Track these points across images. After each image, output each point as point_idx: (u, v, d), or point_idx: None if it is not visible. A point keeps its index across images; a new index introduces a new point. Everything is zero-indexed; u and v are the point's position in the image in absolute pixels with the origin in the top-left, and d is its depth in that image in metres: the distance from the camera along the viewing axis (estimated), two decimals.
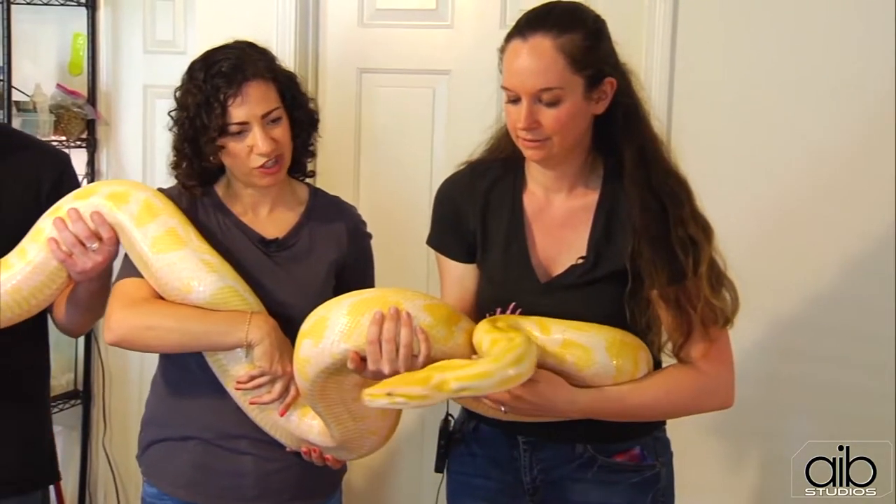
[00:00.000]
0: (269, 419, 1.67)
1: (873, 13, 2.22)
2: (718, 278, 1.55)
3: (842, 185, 2.27)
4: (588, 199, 1.63)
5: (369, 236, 1.87)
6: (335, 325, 1.45)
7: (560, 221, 1.64)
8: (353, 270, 1.81)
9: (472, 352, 1.50)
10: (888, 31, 2.20)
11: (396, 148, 2.62)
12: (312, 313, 1.52)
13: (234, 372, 1.64)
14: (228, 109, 1.64)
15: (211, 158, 1.69)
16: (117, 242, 1.65)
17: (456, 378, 1.37)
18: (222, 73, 1.65)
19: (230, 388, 1.67)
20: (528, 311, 1.57)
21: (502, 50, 1.56)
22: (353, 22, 2.62)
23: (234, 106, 1.64)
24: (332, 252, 1.77)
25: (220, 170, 1.76)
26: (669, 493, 1.71)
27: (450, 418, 1.78)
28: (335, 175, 2.65)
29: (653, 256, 1.53)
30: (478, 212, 1.67)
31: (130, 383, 2.99)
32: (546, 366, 1.49)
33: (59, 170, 1.84)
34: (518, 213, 1.65)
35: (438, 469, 1.78)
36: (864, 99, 2.24)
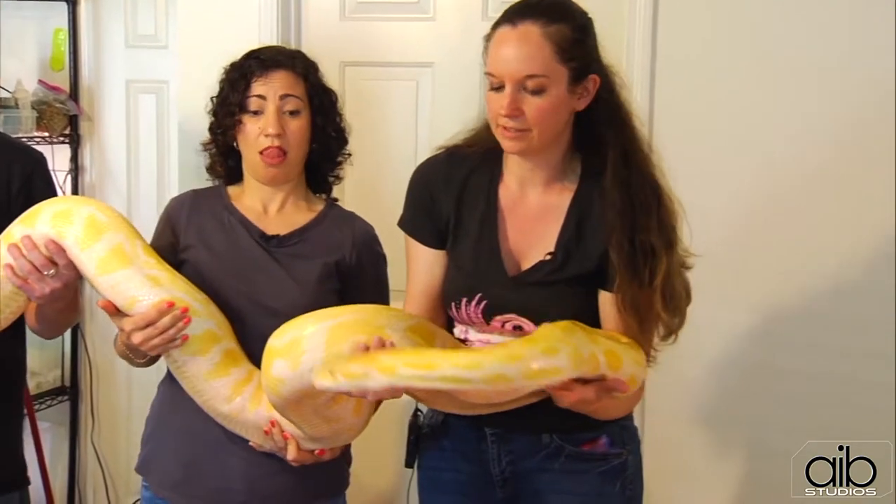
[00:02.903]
0: (235, 420, 1.65)
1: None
2: (673, 293, 1.55)
3: (837, 172, 2.26)
4: (563, 197, 1.63)
5: (383, 257, 1.83)
6: (313, 352, 1.42)
7: (533, 215, 1.64)
8: (356, 280, 1.77)
9: None
10: (875, 15, 2.20)
11: (380, 141, 2.62)
12: (285, 329, 1.48)
13: (190, 372, 1.63)
14: (251, 85, 1.72)
15: (228, 136, 1.75)
16: (75, 267, 1.62)
17: (406, 364, 1.30)
18: (259, 58, 1.75)
19: (193, 393, 1.66)
20: (495, 304, 1.60)
21: (488, 38, 1.57)
22: (334, 15, 2.61)
23: (256, 83, 1.72)
24: (333, 255, 1.75)
25: (239, 172, 1.81)
26: (638, 481, 1.73)
27: (419, 413, 1.78)
28: None
29: (619, 259, 1.54)
30: (452, 199, 1.67)
31: (118, 378, 2.99)
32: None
33: (30, 167, 1.83)
34: (492, 205, 1.65)
35: (409, 464, 1.78)
36: (854, 83, 2.23)
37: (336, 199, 1.89)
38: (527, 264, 1.62)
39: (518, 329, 1.60)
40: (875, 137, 2.23)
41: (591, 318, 1.58)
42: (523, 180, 1.65)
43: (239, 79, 1.74)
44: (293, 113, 1.72)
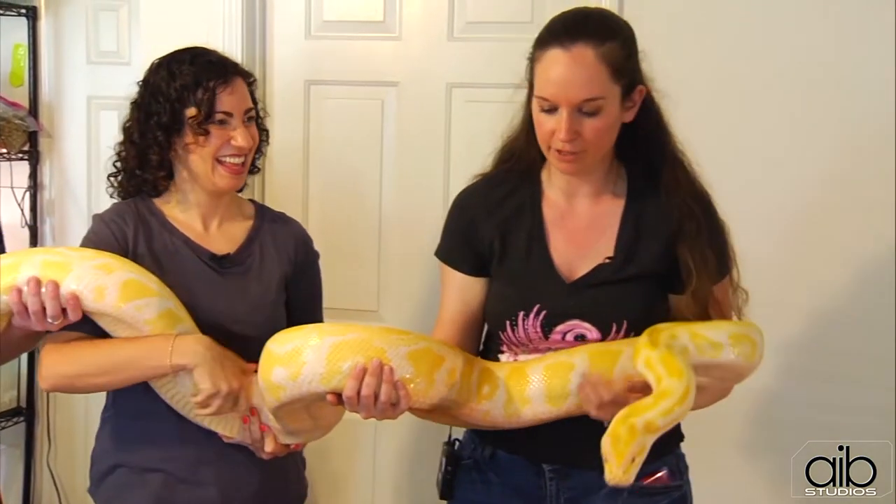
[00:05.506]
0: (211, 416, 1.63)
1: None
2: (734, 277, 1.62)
3: (841, 178, 2.24)
4: (614, 205, 1.63)
5: (316, 254, 1.86)
6: (314, 365, 1.42)
7: (584, 225, 1.63)
8: (300, 283, 1.80)
9: (451, 391, 1.49)
10: (869, 20, 2.18)
11: (345, 160, 2.61)
12: (285, 336, 1.48)
13: (181, 391, 1.60)
14: (218, 95, 1.64)
15: (182, 146, 1.66)
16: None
17: (660, 414, 1.34)
18: (211, 62, 1.67)
19: (159, 385, 1.61)
20: (555, 312, 1.57)
21: (534, 58, 1.54)
22: (300, 34, 2.61)
23: (223, 94, 1.65)
24: (283, 265, 1.76)
25: (166, 184, 1.75)
26: None
27: (456, 442, 1.72)
28: (284, 187, 2.63)
29: (697, 257, 1.55)
30: (495, 223, 1.64)
31: (75, 400, 2.93)
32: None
33: None
34: (538, 221, 1.63)
35: (445, 496, 1.72)
36: (852, 90, 2.21)
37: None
38: (581, 271, 1.60)
39: (580, 339, 1.57)
40: (876, 143, 2.21)
41: (654, 318, 1.54)
42: (570, 193, 1.64)
43: (202, 87, 1.63)
44: (251, 120, 1.71)
